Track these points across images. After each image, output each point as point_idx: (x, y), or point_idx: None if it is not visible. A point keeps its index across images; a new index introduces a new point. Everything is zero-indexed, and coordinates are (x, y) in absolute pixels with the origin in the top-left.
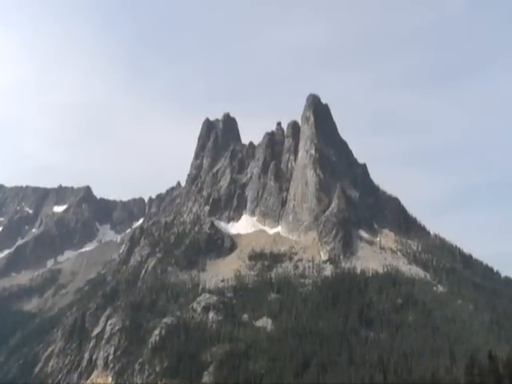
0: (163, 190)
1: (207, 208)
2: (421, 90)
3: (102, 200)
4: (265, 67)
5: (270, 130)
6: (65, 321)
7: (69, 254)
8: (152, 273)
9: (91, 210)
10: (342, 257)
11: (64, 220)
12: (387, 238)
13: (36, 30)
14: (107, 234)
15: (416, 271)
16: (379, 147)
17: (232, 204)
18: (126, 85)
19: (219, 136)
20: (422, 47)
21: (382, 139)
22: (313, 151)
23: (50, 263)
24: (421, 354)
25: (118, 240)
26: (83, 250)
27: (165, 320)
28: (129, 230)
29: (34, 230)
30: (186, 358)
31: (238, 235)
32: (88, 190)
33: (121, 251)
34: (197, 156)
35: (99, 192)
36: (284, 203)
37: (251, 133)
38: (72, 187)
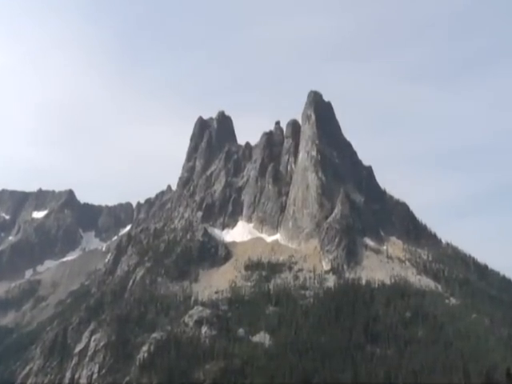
0: (152, 195)
1: (200, 214)
2: (432, 88)
3: (86, 205)
4: (263, 61)
5: (268, 130)
6: (44, 336)
7: (49, 264)
8: (140, 284)
9: (74, 216)
10: (345, 267)
11: (44, 226)
12: (395, 246)
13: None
14: (91, 241)
15: (426, 282)
16: (386, 148)
17: (227, 209)
18: (114, 81)
19: (213, 136)
20: (432, 43)
21: (389, 139)
22: (314, 152)
23: (28, 273)
24: (432, 371)
25: (104, 248)
26: (65, 259)
27: (154, 335)
28: (115, 237)
29: (10, 238)
30: (177, 376)
31: (234, 243)
32: (71, 193)
33: (106, 260)
34: (189, 157)
35: (83, 196)
36: (283, 209)
37: (248, 132)
38: (53, 191)
